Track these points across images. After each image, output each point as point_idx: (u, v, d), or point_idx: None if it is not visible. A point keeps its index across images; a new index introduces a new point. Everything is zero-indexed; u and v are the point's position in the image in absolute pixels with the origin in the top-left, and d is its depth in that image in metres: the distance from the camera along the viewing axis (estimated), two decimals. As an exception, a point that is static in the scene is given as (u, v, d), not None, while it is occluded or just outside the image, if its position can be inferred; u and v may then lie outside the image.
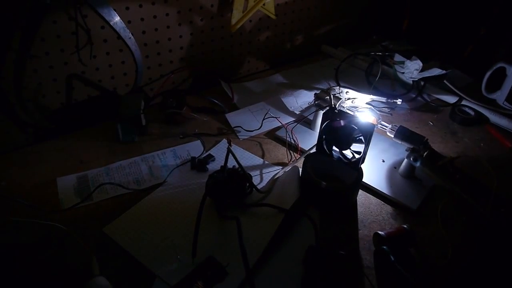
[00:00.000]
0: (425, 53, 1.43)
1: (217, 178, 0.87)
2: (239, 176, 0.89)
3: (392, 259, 0.75)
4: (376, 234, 0.82)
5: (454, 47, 1.53)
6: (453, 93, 1.33)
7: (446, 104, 1.32)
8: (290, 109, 1.22)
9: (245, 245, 0.75)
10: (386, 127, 0.99)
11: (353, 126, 0.86)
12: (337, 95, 1.08)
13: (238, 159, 0.91)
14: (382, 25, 1.73)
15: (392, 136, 0.97)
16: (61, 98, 1.10)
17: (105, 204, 0.89)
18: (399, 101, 1.17)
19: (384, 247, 0.78)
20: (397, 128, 0.96)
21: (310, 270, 0.75)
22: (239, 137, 1.11)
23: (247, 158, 1.03)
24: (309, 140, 1.08)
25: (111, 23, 1.02)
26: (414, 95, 1.33)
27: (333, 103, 1.04)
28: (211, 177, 0.87)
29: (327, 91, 1.08)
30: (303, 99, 1.28)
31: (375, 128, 0.97)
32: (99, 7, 0.99)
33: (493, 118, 1.24)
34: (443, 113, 1.27)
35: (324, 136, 0.90)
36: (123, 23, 1.04)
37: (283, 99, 1.26)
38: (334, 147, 0.91)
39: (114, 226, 0.83)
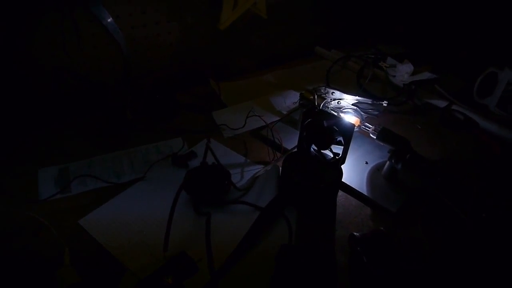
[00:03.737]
0: (418, 57, 1.43)
1: (195, 173, 0.87)
2: (217, 173, 0.88)
3: (365, 259, 0.75)
4: (351, 235, 0.81)
5: (447, 51, 1.52)
6: (444, 97, 1.32)
7: (436, 108, 1.31)
8: (277, 109, 1.22)
9: (218, 240, 0.76)
10: (369, 128, 0.98)
11: (333, 126, 0.86)
12: (322, 95, 1.08)
13: (221, 157, 0.92)
14: (376, 27, 1.73)
15: (375, 137, 0.96)
16: (49, 90, 1.11)
17: (83, 196, 0.89)
18: (385, 103, 1.16)
19: (358, 248, 0.77)
20: (379, 129, 0.96)
21: (281, 267, 0.74)
22: (224, 135, 1.11)
23: (229, 156, 1.03)
24: (293, 140, 1.07)
25: (100, 17, 1.03)
26: (404, 99, 1.32)
27: (316, 103, 1.04)
28: (188, 173, 0.87)
29: (312, 91, 1.08)
30: (291, 99, 1.27)
31: (357, 129, 0.97)
32: (91, 5, 1.00)
33: (483, 123, 1.22)
34: (432, 117, 1.26)
35: (304, 136, 0.90)
36: (111, 17, 1.04)
37: (271, 99, 1.26)
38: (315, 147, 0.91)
39: (90, 219, 0.83)
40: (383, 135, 0.95)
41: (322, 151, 0.90)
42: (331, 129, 0.86)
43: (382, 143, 0.96)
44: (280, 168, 0.94)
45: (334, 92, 1.09)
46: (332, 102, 1.07)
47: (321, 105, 1.04)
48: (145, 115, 1.15)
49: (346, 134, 0.86)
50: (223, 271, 0.74)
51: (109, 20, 1.03)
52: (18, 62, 1.03)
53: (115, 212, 0.85)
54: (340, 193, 0.95)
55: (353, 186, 0.95)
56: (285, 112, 1.20)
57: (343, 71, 1.49)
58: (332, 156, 0.90)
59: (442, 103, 1.30)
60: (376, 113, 1.20)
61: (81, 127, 1.10)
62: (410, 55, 1.43)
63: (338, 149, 0.89)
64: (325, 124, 0.86)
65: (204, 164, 0.89)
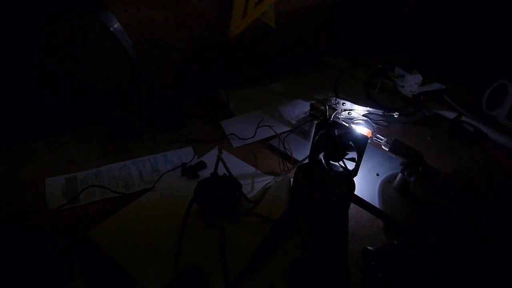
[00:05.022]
0: (427, 67, 1.42)
1: (206, 185, 0.85)
2: (228, 184, 0.87)
3: (380, 275, 0.74)
4: (365, 249, 0.80)
5: (456, 62, 1.52)
6: (453, 108, 1.31)
7: (445, 119, 1.30)
8: (286, 119, 1.21)
9: (231, 254, 0.74)
10: (381, 140, 0.97)
11: (346, 138, 0.85)
12: (333, 106, 1.07)
13: (230, 167, 0.90)
14: (384, 37, 1.72)
15: (387, 149, 0.95)
16: (56, 98, 1.10)
17: (92, 207, 0.88)
18: (396, 115, 1.16)
19: (373, 263, 0.76)
20: (392, 141, 0.95)
21: (295, 283, 0.73)
22: (233, 144, 1.10)
23: (239, 167, 1.02)
24: (303, 151, 1.06)
25: (109, 25, 1.01)
26: (413, 109, 1.31)
27: (327, 114, 1.03)
28: (199, 184, 0.85)
29: (322, 102, 1.07)
30: (300, 109, 1.26)
31: (369, 141, 0.96)
32: (98, 10, 0.99)
33: (493, 135, 1.21)
34: (442, 129, 1.26)
35: (317, 147, 0.89)
36: (120, 25, 1.03)
37: (280, 108, 1.25)
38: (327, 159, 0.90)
39: (99, 230, 0.81)
40: (396, 147, 0.94)
41: (334, 163, 0.89)
42: (345, 141, 0.85)
43: (394, 156, 0.95)
44: (291, 180, 0.93)
45: (344, 103, 1.08)
46: (343, 113, 1.06)
47: (332, 116, 1.03)
48: (153, 124, 1.14)
49: (360, 146, 0.85)
50: (237, 285, 0.72)
51: (115, 25, 1.01)
52: (25, 70, 1.02)
53: (125, 223, 0.83)
54: (352, 205, 0.94)
55: (365, 199, 0.94)
56: (293, 122, 1.19)
57: (351, 81, 1.48)
58: (343, 167, 0.89)
59: (451, 114, 1.29)
60: (386, 124, 1.19)
61: (88, 136, 1.09)
62: (418, 65, 1.42)
63: (349, 161, 0.88)
64: (338, 136, 0.85)
65: (215, 175, 0.87)
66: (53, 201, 0.87)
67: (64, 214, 0.85)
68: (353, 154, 0.87)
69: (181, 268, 0.74)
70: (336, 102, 1.09)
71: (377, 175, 1.01)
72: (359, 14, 1.68)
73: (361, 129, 1.00)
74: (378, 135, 0.99)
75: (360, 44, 1.72)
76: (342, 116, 1.07)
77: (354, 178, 0.90)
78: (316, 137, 0.88)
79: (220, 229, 0.74)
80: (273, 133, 1.12)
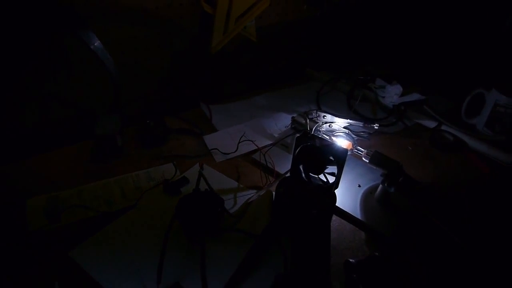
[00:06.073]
0: (407, 78, 1.44)
1: (187, 202, 0.85)
2: (210, 200, 0.87)
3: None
4: (346, 261, 0.80)
5: (436, 72, 1.54)
6: (433, 118, 1.33)
7: (426, 129, 1.32)
8: (269, 132, 1.22)
9: (213, 270, 0.75)
10: (362, 152, 0.98)
11: (326, 151, 0.86)
12: (314, 119, 1.08)
13: (213, 182, 0.91)
14: (365, 48, 1.75)
15: (367, 161, 0.97)
16: (36, 117, 1.09)
17: (73, 226, 0.87)
18: (376, 126, 1.17)
19: (354, 275, 0.77)
20: (371, 153, 0.96)
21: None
22: (216, 159, 1.10)
23: (221, 181, 1.02)
24: (286, 164, 1.07)
25: (90, 43, 1.02)
26: (394, 120, 1.33)
27: (308, 127, 1.04)
28: (181, 200, 0.86)
29: (303, 115, 1.08)
30: (282, 122, 1.27)
31: (350, 153, 0.97)
32: (79, 30, 0.99)
33: (472, 143, 1.23)
34: (422, 138, 1.27)
35: (297, 161, 0.90)
36: (101, 43, 1.04)
37: (262, 122, 1.26)
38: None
39: (80, 250, 0.81)
40: (376, 159, 0.95)
41: (315, 176, 0.90)
42: (324, 154, 0.86)
43: (375, 167, 0.96)
44: (274, 193, 0.94)
45: (325, 116, 1.10)
46: (324, 125, 1.08)
47: (313, 129, 1.04)
48: (136, 141, 1.14)
49: (340, 159, 0.86)
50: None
51: (96, 43, 1.02)
52: (5, 89, 1.01)
53: (106, 243, 0.83)
54: (334, 217, 0.94)
55: (346, 210, 0.95)
56: (276, 135, 1.20)
57: (333, 92, 1.50)
58: (325, 181, 0.90)
59: (431, 124, 1.31)
60: (367, 135, 1.20)
61: (70, 154, 1.08)
62: (399, 76, 1.45)
63: (330, 174, 0.89)
64: (317, 149, 0.86)
65: (196, 191, 0.88)
66: (34, 222, 0.87)
67: (45, 234, 0.85)
68: (333, 167, 0.88)
69: (163, 287, 0.74)
70: (317, 115, 1.10)
71: (359, 186, 1.02)
72: (340, 26, 1.71)
73: (342, 142, 1.01)
74: (358, 147, 1.00)
75: (342, 56, 1.75)
76: (323, 129, 1.08)
77: (336, 190, 0.91)
78: (296, 151, 0.89)
79: (201, 247, 0.74)
80: (256, 147, 1.12)
